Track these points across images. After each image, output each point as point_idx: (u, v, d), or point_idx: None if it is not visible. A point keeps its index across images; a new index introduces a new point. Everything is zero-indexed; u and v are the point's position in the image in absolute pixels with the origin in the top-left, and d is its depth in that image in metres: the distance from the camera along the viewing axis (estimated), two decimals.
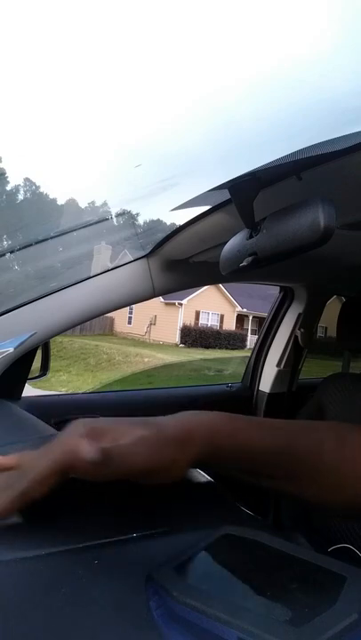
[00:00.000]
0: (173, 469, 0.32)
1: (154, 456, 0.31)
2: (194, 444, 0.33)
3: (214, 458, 0.34)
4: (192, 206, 0.65)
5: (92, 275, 0.87)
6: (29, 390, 0.98)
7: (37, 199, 17.20)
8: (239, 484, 0.38)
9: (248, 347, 12.48)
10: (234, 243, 0.53)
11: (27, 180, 17.34)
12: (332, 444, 0.38)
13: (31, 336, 0.81)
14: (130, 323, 13.81)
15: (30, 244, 0.92)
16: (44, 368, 1.04)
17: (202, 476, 0.45)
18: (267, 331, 1.47)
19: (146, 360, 8.72)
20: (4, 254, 1.00)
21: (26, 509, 0.31)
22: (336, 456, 0.37)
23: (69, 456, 0.30)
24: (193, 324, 13.56)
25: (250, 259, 0.48)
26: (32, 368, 0.96)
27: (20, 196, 17.04)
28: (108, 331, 13.39)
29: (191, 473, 0.45)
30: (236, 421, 0.36)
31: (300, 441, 0.37)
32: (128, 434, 0.31)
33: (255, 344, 1.53)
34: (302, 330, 1.39)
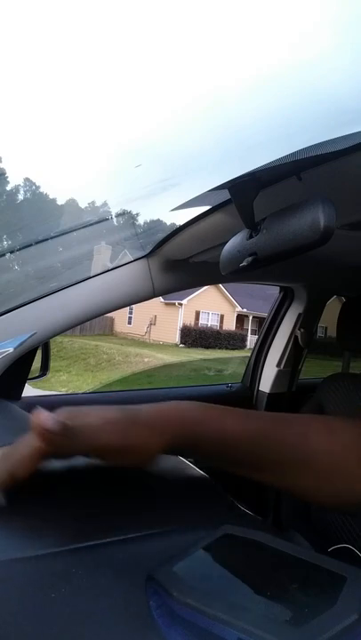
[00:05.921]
0: (143, 452, 0.33)
1: (121, 436, 0.32)
2: (166, 429, 0.34)
3: (190, 445, 0.35)
4: (192, 206, 0.65)
5: (92, 275, 0.87)
6: (29, 390, 0.98)
7: (37, 199, 17.19)
8: (239, 484, 0.38)
9: (248, 347, 12.48)
10: (234, 243, 0.53)
11: (27, 180, 17.35)
12: (320, 434, 0.37)
13: (31, 336, 0.81)
14: (130, 323, 13.80)
15: (30, 244, 0.92)
16: (44, 368, 1.04)
17: (202, 475, 0.45)
18: (267, 331, 1.47)
19: (146, 360, 8.72)
20: (4, 254, 1.00)
21: (11, 490, 0.32)
22: (324, 447, 0.36)
23: (38, 432, 0.31)
24: (193, 324, 13.55)
25: (250, 259, 0.48)
26: (32, 368, 0.96)
27: (20, 196, 17.04)
28: (108, 331, 13.39)
29: (191, 473, 0.45)
30: (211, 410, 0.37)
31: (284, 430, 0.37)
32: (97, 415, 0.33)
33: (255, 344, 1.53)
34: (302, 330, 1.39)
